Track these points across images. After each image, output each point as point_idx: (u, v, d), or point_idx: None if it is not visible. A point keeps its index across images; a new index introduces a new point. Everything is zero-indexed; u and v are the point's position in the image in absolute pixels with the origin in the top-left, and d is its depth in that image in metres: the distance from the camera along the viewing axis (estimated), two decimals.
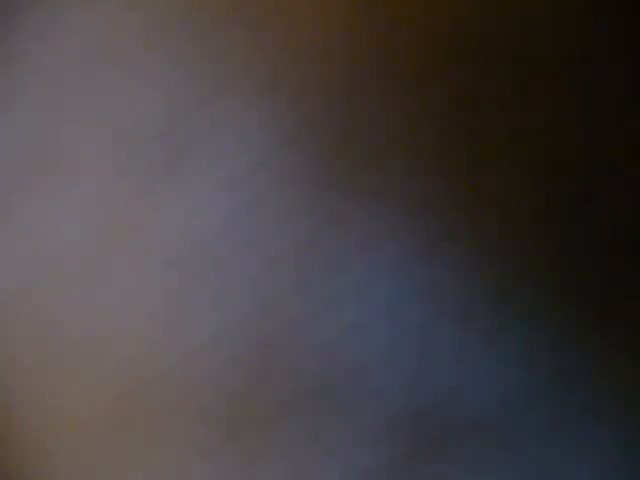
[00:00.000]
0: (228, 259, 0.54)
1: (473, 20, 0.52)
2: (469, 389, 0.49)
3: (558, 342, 0.48)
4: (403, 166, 0.51)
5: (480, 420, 0.49)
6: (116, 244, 0.57)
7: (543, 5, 0.52)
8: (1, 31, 0.63)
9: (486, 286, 0.49)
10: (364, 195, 0.52)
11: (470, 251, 0.50)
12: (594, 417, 0.48)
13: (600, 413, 0.48)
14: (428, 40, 0.52)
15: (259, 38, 0.55)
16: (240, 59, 0.55)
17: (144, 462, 0.55)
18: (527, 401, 0.48)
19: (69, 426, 0.57)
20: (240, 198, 0.54)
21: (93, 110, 0.58)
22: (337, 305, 0.51)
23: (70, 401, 0.57)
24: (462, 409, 0.49)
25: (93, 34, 0.59)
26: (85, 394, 0.57)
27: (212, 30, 0.56)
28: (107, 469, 0.56)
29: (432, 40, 0.52)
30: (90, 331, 0.57)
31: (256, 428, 0.52)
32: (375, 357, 0.50)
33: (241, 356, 0.53)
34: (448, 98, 0.51)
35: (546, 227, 0.49)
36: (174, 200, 0.56)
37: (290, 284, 0.52)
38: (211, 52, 0.56)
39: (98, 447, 0.57)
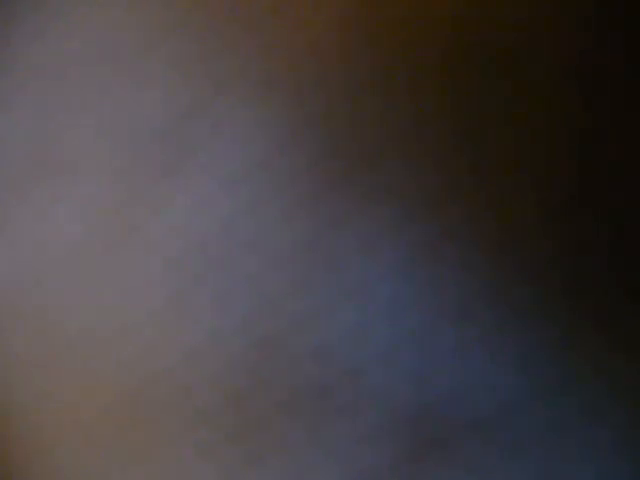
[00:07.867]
0: (228, 259, 0.54)
1: (472, 20, 0.52)
2: (469, 389, 0.49)
3: (558, 342, 0.48)
4: (403, 166, 0.51)
5: (480, 420, 0.49)
6: (116, 244, 0.57)
7: (542, 5, 0.52)
8: (1, 31, 0.63)
9: (486, 286, 0.49)
10: (364, 195, 0.52)
11: (470, 251, 0.50)
12: (594, 417, 0.48)
13: (600, 413, 0.48)
14: (427, 40, 0.52)
15: (258, 39, 0.55)
16: (239, 60, 0.55)
17: (144, 462, 0.55)
18: (527, 401, 0.48)
19: (69, 426, 0.57)
20: (240, 198, 0.54)
21: (93, 110, 0.58)
22: (337, 305, 0.51)
23: (70, 401, 0.57)
24: (462, 409, 0.49)
25: (93, 34, 0.59)
26: (85, 394, 0.57)
27: (211, 32, 0.56)
28: (107, 469, 0.56)
29: (431, 40, 0.52)
30: (90, 331, 0.57)
31: (256, 428, 0.52)
32: (375, 357, 0.50)
33: (241, 356, 0.53)
34: (448, 98, 0.51)
35: (546, 227, 0.49)
36: (174, 200, 0.56)
37: (290, 284, 0.53)
38: (210, 53, 0.56)
39: (98, 447, 0.57)
